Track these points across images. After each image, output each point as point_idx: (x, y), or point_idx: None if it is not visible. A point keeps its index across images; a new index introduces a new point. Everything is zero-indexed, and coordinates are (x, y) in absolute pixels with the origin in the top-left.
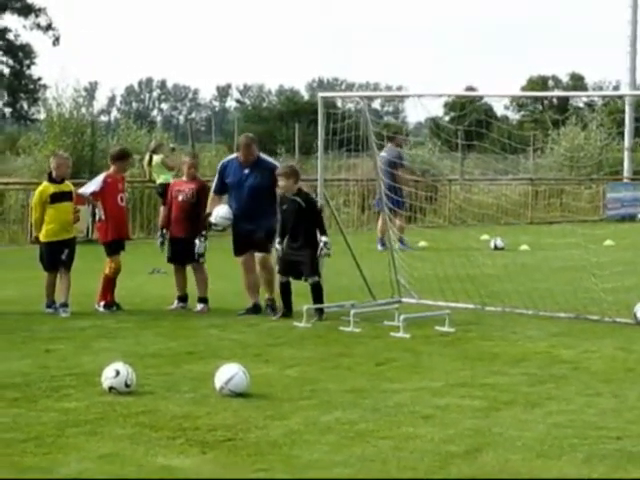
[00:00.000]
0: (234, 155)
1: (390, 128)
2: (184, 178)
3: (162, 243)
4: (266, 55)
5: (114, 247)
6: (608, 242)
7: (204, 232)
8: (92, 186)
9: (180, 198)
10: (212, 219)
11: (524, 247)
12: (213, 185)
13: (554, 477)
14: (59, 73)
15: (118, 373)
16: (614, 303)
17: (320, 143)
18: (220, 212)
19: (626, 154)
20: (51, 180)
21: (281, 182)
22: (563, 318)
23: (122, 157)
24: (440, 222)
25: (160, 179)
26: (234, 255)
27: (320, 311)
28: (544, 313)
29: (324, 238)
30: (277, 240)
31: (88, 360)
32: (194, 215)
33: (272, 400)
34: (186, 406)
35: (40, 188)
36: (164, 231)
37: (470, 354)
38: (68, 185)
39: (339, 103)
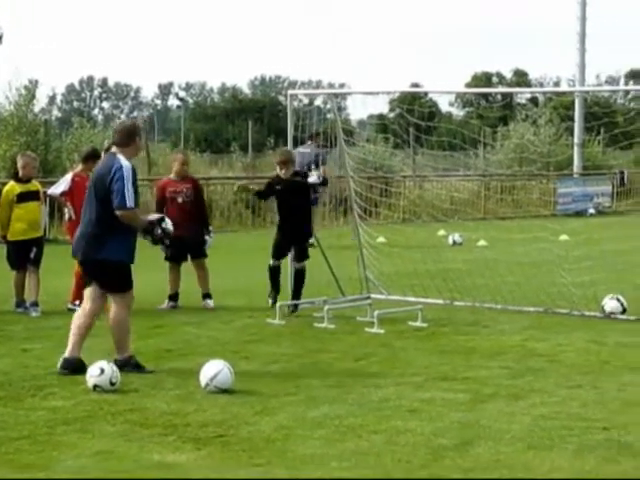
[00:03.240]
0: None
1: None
2: (172, 177)
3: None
4: (207, 53)
5: None
6: (564, 237)
7: (210, 227)
8: (61, 186)
9: (180, 200)
10: (169, 226)
11: (482, 242)
12: (130, 196)
13: (548, 468)
14: (13, 72)
15: (103, 371)
16: (582, 297)
17: (290, 139)
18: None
19: (576, 150)
20: (17, 180)
21: (283, 169)
22: (532, 312)
23: (95, 156)
24: (395, 218)
25: None
26: (124, 290)
27: (295, 305)
28: (513, 307)
29: None
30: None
31: None
32: (194, 213)
33: (258, 396)
34: (173, 403)
35: (6, 187)
36: None
37: (446, 348)
38: (35, 184)
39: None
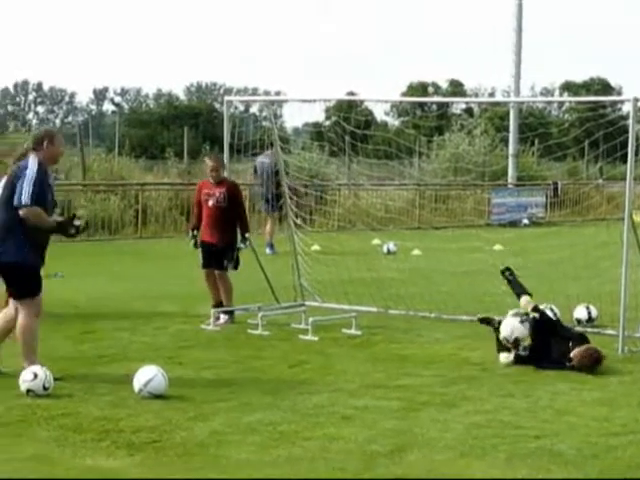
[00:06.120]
0: None
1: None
2: (210, 180)
3: (195, 244)
4: (143, 58)
5: None
6: (498, 247)
7: (247, 235)
8: None
9: (210, 203)
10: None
11: (416, 252)
12: (27, 194)
13: (480, 476)
14: None
15: (36, 376)
16: (515, 306)
17: (226, 146)
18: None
19: (510, 160)
20: None
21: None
22: (466, 321)
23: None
24: (330, 226)
25: None
26: (26, 296)
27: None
28: (447, 316)
29: None
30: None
31: None
32: (226, 220)
33: (192, 402)
34: (106, 408)
35: None
36: (195, 232)
37: (380, 356)
38: None
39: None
